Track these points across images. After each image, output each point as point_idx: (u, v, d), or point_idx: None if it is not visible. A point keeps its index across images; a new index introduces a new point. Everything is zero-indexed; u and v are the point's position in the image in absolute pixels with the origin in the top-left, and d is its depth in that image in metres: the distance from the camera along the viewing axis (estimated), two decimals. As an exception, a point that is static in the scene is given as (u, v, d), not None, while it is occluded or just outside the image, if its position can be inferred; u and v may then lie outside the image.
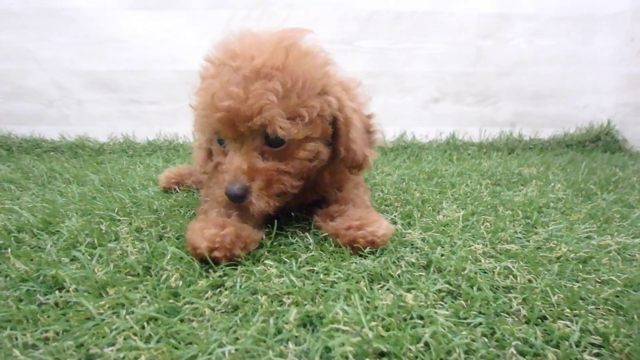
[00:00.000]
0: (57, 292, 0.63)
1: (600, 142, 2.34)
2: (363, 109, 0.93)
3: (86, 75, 2.28)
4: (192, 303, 0.61)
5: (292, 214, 0.99)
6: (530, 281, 0.72)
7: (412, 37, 2.32)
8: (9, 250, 0.79)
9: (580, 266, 0.77)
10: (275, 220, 0.87)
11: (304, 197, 0.95)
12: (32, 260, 0.74)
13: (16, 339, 0.53)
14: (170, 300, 0.62)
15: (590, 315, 0.61)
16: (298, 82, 0.76)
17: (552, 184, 1.42)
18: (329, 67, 0.85)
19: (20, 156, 1.95)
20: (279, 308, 0.61)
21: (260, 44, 0.78)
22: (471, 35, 2.33)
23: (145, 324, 0.56)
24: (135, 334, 0.53)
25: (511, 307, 0.63)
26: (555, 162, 1.89)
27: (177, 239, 0.88)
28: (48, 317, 0.56)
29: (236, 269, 0.73)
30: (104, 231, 0.90)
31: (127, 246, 0.81)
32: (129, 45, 2.26)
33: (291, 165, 0.81)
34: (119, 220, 0.99)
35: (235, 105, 0.74)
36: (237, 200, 0.78)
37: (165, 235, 0.89)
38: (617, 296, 0.67)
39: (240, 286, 0.66)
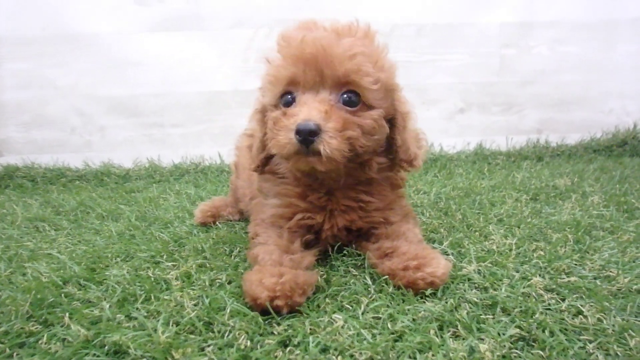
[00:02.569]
0: (124, 361, 0.61)
1: (628, 146, 2.31)
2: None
3: (107, 100, 2.27)
4: (265, 366, 0.59)
5: (344, 249, 0.97)
6: (600, 320, 0.69)
7: (434, 50, 2.30)
8: (61, 307, 0.77)
9: (645, 299, 0.74)
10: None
11: (351, 219, 0.95)
12: (86, 318, 0.72)
13: None
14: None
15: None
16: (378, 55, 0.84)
17: (591, 198, 1.39)
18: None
19: (47, 187, 1.95)
20: (354, 367, 0.59)
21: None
22: (494, 45, 2.31)
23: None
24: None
25: (588, 353, 0.61)
26: (586, 170, 1.87)
27: (229, 283, 0.86)
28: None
29: (300, 320, 0.71)
30: (152, 279, 0.88)
31: (182, 297, 0.79)
32: (150, 68, 2.25)
33: (364, 123, 0.81)
34: (165, 264, 0.97)
35: (322, 50, 0.77)
36: (310, 137, 0.74)
37: (217, 280, 0.87)
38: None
39: (309, 343, 0.64)
